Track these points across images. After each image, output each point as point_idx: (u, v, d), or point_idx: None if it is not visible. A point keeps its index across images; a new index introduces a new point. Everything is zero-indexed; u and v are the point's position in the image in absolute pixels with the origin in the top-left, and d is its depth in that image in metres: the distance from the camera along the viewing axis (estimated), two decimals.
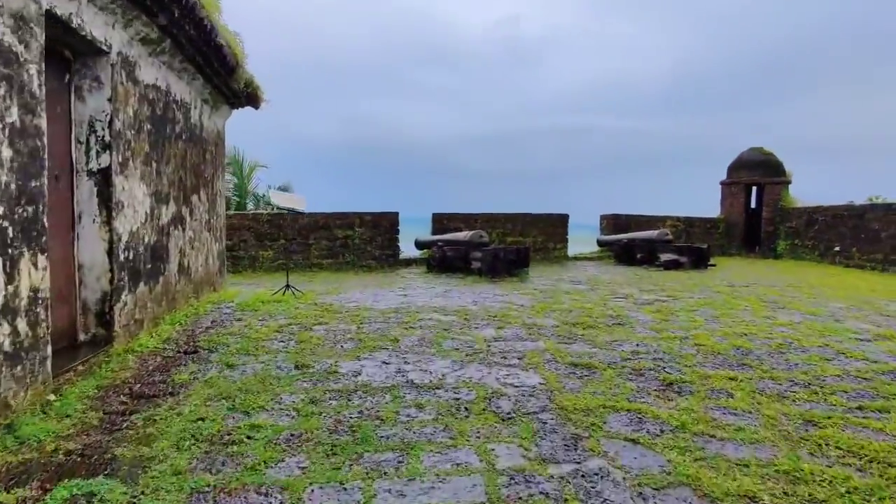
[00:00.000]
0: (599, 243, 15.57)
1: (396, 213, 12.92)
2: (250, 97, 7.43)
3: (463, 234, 11.05)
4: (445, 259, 11.26)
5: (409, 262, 13.16)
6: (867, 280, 10.57)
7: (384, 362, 4.16)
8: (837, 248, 14.92)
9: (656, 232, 13.08)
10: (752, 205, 18.51)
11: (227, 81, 6.57)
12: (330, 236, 12.23)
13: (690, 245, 12.51)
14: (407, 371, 3.94)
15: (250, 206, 19.71)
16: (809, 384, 3.74)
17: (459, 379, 3.78)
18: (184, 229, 5.99)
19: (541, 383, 3.71)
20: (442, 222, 13.56)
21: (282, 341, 4.79)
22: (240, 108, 7.88)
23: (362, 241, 12.53)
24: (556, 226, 15.12)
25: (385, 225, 12.76)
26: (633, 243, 13.53)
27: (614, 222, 16.31)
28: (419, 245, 12.67)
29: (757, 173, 17.63)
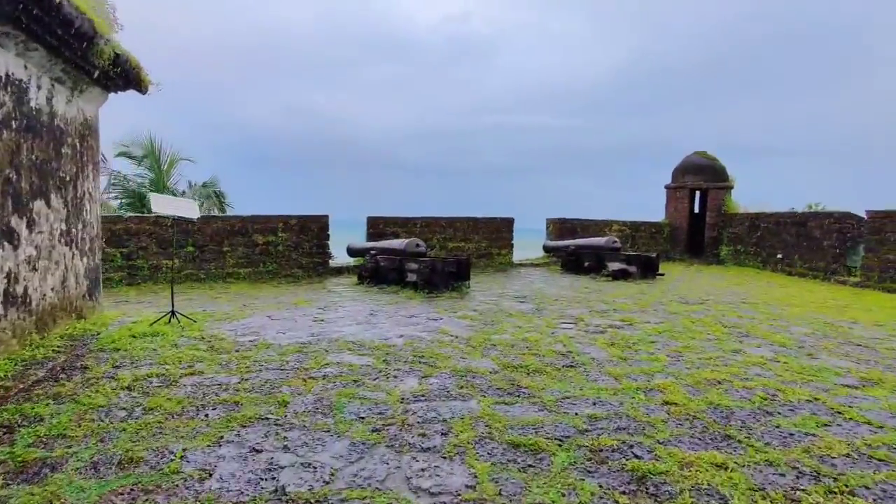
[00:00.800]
0: (546, 249, 14.76)
1: (326, 217, 11.61)
2: (127, 78, 5.98)
3: (398, 242, 9.89)
4: (378, 270, 10.08)
5: (340, 271, 11.88)
6: (815, 292, 10.16)
7: (254, 449, 2.95)
8: (780, 256, 14.72)
9: (604, 239, 12.35)
10: (696, 209, 18.27)
11: (85, 56, 5.13)
12: (248, 242, 10.78)
13: (639, 254, 11.84)
14: (281, 468, 2.75)
15: None
16: (818, 474, 2.82)
17: (354, 481, 2.64)
18: (15, 246, 4.55)
19: (467, 486, 2.62)
20: (378, 227, 12.34)
21: (123, 408, 3.49)
22: (118, 92, 6.40)
23: (287, 247, 11.14)
24: (500, 230, 14.18)
25: (313, 229, 11.42)
26: (580, 251, 12.76)
27: (561, 226, 15.56)
28: (351, 252, 11.42)
29: (701, 178, 17.33)
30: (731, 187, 17.32)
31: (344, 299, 8.29)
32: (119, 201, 17.50)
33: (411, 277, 9.26)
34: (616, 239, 12.28)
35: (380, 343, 5.33)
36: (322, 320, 6.50)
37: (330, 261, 12.04)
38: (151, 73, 6.27)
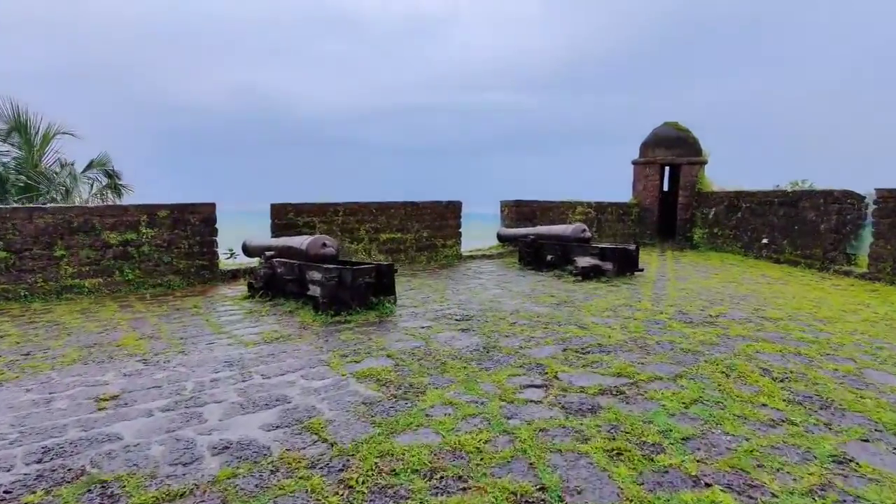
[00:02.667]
0: (500, 238, 12.21)
1: (212, 206, 8.65)
2: None
3: (300, 240, 7.10)
4: (275, 280, 7.29)
5: (237, 275, 8.99)
6: (826, 291, 8.01)
7: None
8: (765, 241, 12.67)
9: (571, 227, 9.89)
10: (665, 188, 16.13)
11: None
12: (97, 242, 7.74)
13: (615, 246, 9.43)
14: None
15: (48, 191, 14.24)
16: None
17: None
18: None
19: None
20: (285, 216, 9.46)
21: None
22: None
23: (155, 248, 8.16)
24: (445, 217, 11.52)
25: (193, 222, 8.45)
26: (542, 242, 10.27)
27: (517, 210, 13.03)
28: (247, 251, 8.54)
29: (672, 152, 15.11)
30: (706, 162, 15.20)
31: (203, 332, 5.50)
32: None
33: (314, 291, 6.53)
34: (585, 227, 9.83)
35: (196, 478, 2.62)
36: (111, 400, 3.70)
37: (221, 262, 9.13)
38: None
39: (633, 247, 9.34)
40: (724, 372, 4.22)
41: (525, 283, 8.66)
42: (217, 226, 8.70)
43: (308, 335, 5.32)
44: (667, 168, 15.72)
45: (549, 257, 9.93)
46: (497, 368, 4.27)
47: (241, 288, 8.04)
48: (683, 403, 3.58)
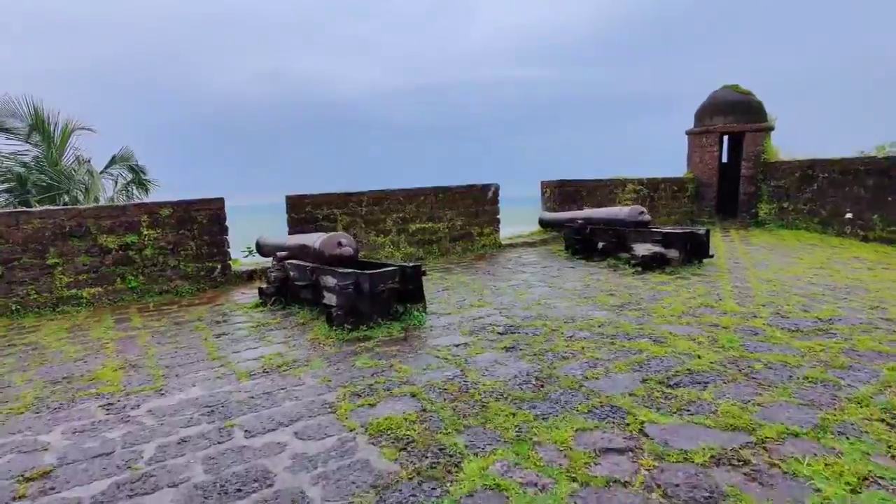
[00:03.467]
0: (543, 223, 10.97)
1: (219, 201, 7.74)
2: None
3: (314, 239, 6.07)
4: (287, 285, 6.33)
5: (252, 276, 8.11)
6: None
7: None
8: (849, 216, 10.99)
9: (626, 209, 8.56)
10: (725, 159, 14.43)
11: None
12: (94, 248, 6.94)
13: (682, 230, 8.05)
14: None
15: (69, 189, 13.73)
16: None
17: None
18: None
19: None
20: (303, 210, 8.49)
21: None
22: None
23: (159, 250, 7.31)
24: (481, 202, 10.35)
25: (200, 221, 7.56)
26: (592, 227, 8.98)
27: (560, 191, 11.71)
28: (261, 250, 7.62)
29: (733, 118, 13.39)
30: (772, 129, 13.43)
31: (195, 356, 4.56)
32: None
33: (329, 299, 5.51)
34: (643, 209, 8.49)
35: None
36: (38, 480, 2.76)
37: (237, 261, 8.25)
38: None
39: (702, 230, 7.95)
40: (882, 418, 2.97)
41: (576, 276, 7.44)
42: (228, 223, 7.79)
43: (317, 360, 4.30)
44: (726, 137, 14.02)
45: (600, 244, 8.65)
46: (557, 416, 3.13)
47: (256, 292, 7.13)
48: (847, 484, 2.37)
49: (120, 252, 7.06)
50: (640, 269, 7.62)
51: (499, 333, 4.83)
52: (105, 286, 6.99)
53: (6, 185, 13.61)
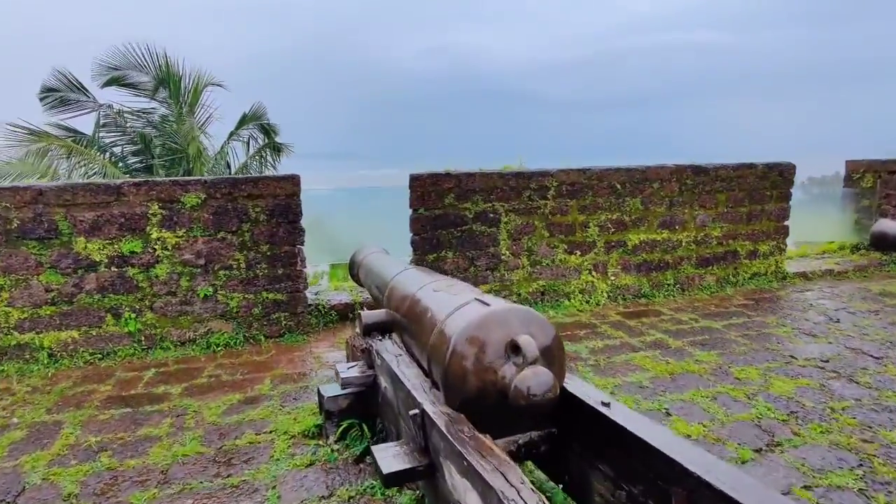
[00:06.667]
0: (880, 240, 5.83)
1: (294, 180, 4.11)
2: None
3: (446, 304, 2.10)
4: (369, 403, 2.46)
5: (348, 316, 4.48)
6: None
7: None
8: None
9: None
10: None
11: None
12: (65, 259, 3.76)
13: None
14: None
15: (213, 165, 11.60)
16: None
17: None
18: None
19: None
20: (440, 199, 4.57)
21: None
22: None
23: (182, 266, 3.94)
24: (758, 196, 5.56)
25: (256, 215, 4.03)
26: None
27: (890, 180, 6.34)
28: (356, 275, 3.87)
29: None
30: None
31: None
32: (119, 148, 11.81)
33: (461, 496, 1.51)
34: None
35: None
36: None
37: (309, 292, 4.71)
38: None
39: None
40: None
41: None
42: (303, 220, 4.19)
43: None
44: None
45: None
46: None
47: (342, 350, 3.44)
48: None
49: (112, 269, 3.81)
50: None
51: None
52: (84, 328, 3.81)
53: (134, 148, 11.95)
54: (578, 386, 1.93)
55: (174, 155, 11.56)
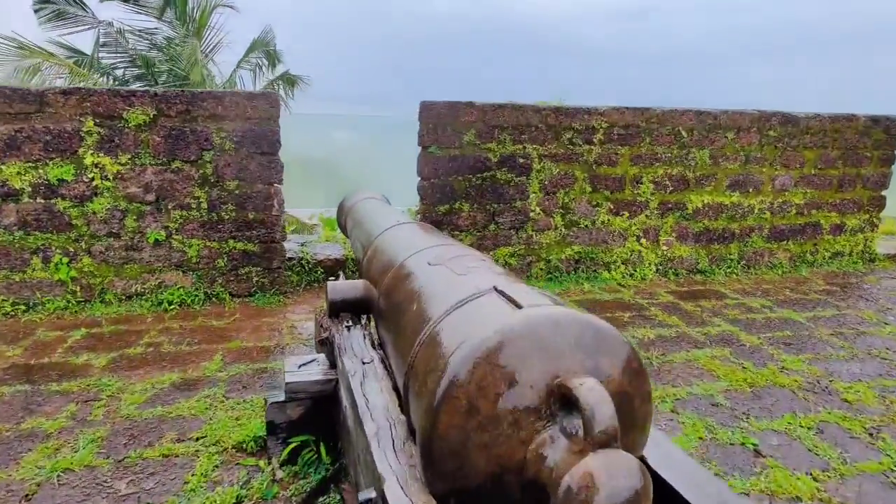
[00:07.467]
0: None
1: (272, 99, 3.18)
2: None
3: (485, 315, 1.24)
4: (333, 405, 1.62)
5: (335, 272, 3.62)
6: None
7: None
8: None
9: None
10: None
11: None
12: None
13: None
14: None
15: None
16: None
17: None
18: None
19: None
20: (457, 136, 3.59)
21: None
22: None
23: (124, 203, 3.10)
24: (853, 156, 4.43)
25: (222, 142, 3.13)
26: None
27: None
28: (343, 225, 3.00)
29: None
30: None
31: None
32: (121, 71, 10.89)
33: None
34: None
35: None
36: None
37: (293, 242, 3.85)
38: None
39: None
40: None
41: None
42: (281, 153, 3.29)
43: None
44: None
45: None
46: None
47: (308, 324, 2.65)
48: None
49: (37, 200, 2.99)
50: None
51: None
52: (4, 271, 3.04)
53: (138, 72, 11.02)
54: (670, 457, 1.05)
55: (181, 82, 10.61)
